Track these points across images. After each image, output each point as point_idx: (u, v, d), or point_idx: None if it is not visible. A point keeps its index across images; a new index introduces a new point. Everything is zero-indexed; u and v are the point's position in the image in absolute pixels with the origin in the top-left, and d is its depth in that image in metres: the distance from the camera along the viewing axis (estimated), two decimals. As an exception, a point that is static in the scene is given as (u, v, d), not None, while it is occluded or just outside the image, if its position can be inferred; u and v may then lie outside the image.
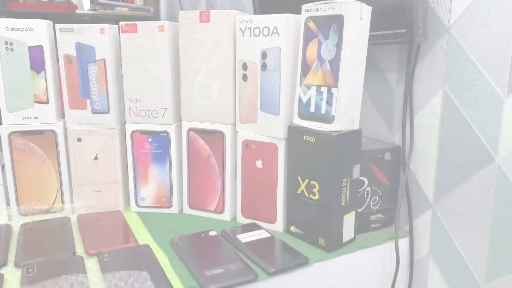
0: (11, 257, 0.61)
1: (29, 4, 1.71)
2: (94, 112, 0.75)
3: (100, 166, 0.77)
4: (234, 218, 0.77)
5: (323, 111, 0.62)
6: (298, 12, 0.63)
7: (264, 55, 0.66)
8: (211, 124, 0.73)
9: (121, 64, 0.75)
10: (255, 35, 0.66)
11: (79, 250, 0.63)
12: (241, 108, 0.71)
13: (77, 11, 1.82)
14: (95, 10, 1.82)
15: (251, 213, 0.73)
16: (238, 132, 0.72)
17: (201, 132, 0.74)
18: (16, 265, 0.58)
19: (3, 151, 0.72)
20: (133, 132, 0.76)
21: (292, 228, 0.69)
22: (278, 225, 0.71)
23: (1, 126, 0.71)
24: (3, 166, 0.72)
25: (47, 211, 0.76)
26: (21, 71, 0.70)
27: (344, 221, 0.64)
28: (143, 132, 0.76)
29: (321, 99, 0.62)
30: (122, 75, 0.76)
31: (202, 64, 0.72)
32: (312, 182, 0.64)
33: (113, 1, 1.90)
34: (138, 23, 0.72)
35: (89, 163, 0.76)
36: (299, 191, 0.66)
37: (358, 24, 0.59)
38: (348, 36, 0.58)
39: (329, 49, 0.60)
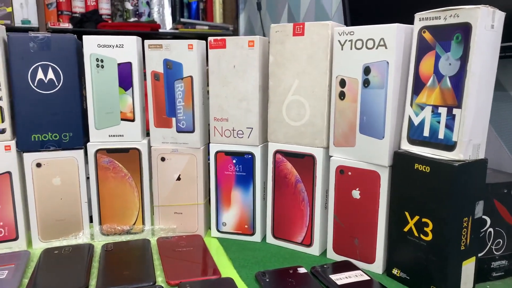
0: (93, 281, 0.59)
1: (117, 25, 1.79)
2: (179, 131, 0.72)
3: (183, 187, 0.73)
4: (323, 253, 0.68)
5: (440, 135, 0.52)
6: (397, 21, 0.55)
7: (367, 71, 0.58)
8: (301, 147, 0.66)
9: (207, 82, 0.72)
10: (357, 48, 0.59)
11: (160, 278, 0.59)
12: (337, 130, 0.63)
13: (160, 30, 1.87)
14: (176, 29, 1.86)
15: (344, 250, 0.65)
16: (331, 156, 0.65)
17: (289, 155, 0.68)
18: (97, 291, 0.55)
19: (90, 168, 0.71)
20: (217, 152, 0.72)
21: (395, 271, 0.59)
22: (377, 266, 0.62)
23: (89, 143, 0.70)
24: (88, 184, 0.71)
25: (128, 232, 0.73)
26: (110, 88, 0.69)
27: (462, 268, 0.54)
28: (227, 153, 0.71)
29: (439, 122, 0.52)
30: (207, 92, 0.72)
31: (294, 80, 0.65)
32: (424, 219, 0.54)
33: (194, 19, 1.94)
34: (227, 38, 0.68)
35: (171, 183, 0.73)
36: (405, 229, 0.57)
37: (488, 33, 0.49)
38: (477, 48, 0.48)
39: (450, 63, 0.51)
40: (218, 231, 0.74)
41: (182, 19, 1.85)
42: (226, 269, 0.63)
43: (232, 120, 0.70)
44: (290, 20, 1.40)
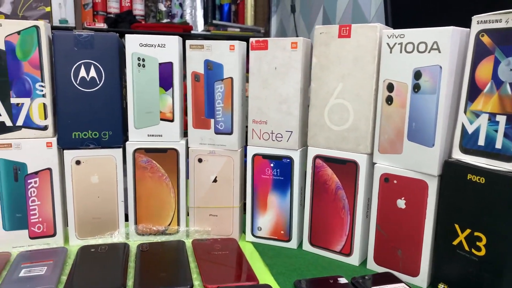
0: (129, 281, 0.58)
1: (150, 25, 1.81)
2: (217, 132, 0.71)
3: (219, 189, 0.72)
4: (363, 263, 0.66)
5: (498, 145, 0.49)
6: (442, 25, 0.53)
7: (417, 75, 0.56)
8: (343, 152, 0.64)
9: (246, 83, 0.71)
10: (407, 52, 0.57)
11: (196, 282, 0.58)
12: (382, 136, 0.61)
13: (192, 32, 1.88)
14: (208, 30, 1.86)
15: (386, 261, 0.62)
16: (375, 163, 0.62)
17: (330, 160, 0.66)
18: (135, 292, 0.55)
19: (127, 167, 0.71)
20: (254, 155, 0.71)
21: (441, 287, 0.56)
22: (422, 280, 0.59)
23: (128, 142, 0.70)
24: (125, 183, 0.71)
25: (163, 233, 0.73)
26: (150, 88, 0.69)
27: (517, 287, 0.50)
28: (265, 156, 0.70)
29: (496, 131, 0.49)
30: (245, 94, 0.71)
31: (338, 84, 0.64)
32: (476, 233, 0.51)
33: (225, 21, 1.94)
34: (269, 39, 0.67)
35: (208, 185, 0.72)
36: (455, 243, 0.54)
37: (555, 37, 0.46)
38: (543, 52, 0.45)
39: (511, 69, 0.48)
40: (253, 235, 0.73)
41: (214, 21, 1.86)
42: (263, 275, 0.61)
43: (271, 123, 0.69)
44: (325, 23, 1.37)
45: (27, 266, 0.59)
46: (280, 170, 0.69)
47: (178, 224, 0.73)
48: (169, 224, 0.73)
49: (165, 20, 1.88)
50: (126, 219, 0.73)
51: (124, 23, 1.73)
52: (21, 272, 0.58)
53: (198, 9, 1.95)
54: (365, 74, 0.61)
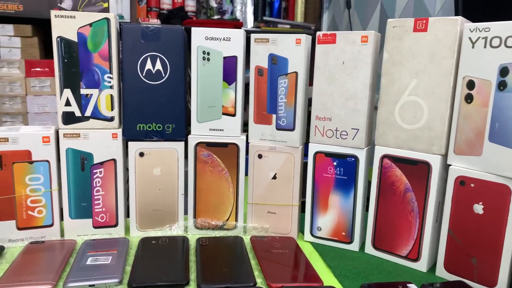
0: (192, 275, 0.58)
1: (201, 22, 1.83)
2: (279, 128, 0.69)
3: (278, 187, 0.71)
4: (431, 270, 0.62)
5: None
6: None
7: (504, 72, 0.52)
8: (414, 153, 0.61)
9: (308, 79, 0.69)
10: (493, 47, 0.53)
11: (259, 279, 0.57)
12: (459, 136, 0.57)
13: (242, 28, 1.88)
14: (258, 27, 1.85)
15: (458, 268, 0.59)
16: (450, 165, 0.59)
17: (399, 160, 0.63)
18: (199, 287, 0.54)
19: (189, 161, 0.70)
20: (316, 153, 0.68)
21: (525, 300, 0.52)
22: (501, 291, 0.55)
23: (190, 136, 0.70)
24: (186, 176, 0.71)
25: (221, 228, 0.72)
26: (214, 81, 0.68)
27: None
28: (328, 154, 0.68)
29: None
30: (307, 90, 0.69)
31: (411, 80, 0.60)
32: None
33: (275, 18, 1.92)
34: (337, 32, 0.65)
35: (267, 181, 0.71)
36: (543, 253, 0.49)
37: None
38: None
39: None
40: (312, 235, 0.71)
41: (264, 18, 1.85)
42: (326, 276, 0.59)
43: (336, 120, 0.66)
44: (382, 19, 1.33)
45: (93, 255, 0.61)
46: (343, 169, 0.67)
47: (236, 220, 0.72)
48: (227, 219, 0.72)
49: (215, 17, 1.89)
50: (185, 212, 0.73)
51: (176, 19, 1.76)
52: (87, 260, 0.59)
53: (249, 6, 1.95)
54: (442, 70, 0.58)
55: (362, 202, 0.67)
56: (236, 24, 1.80)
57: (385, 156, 0.64)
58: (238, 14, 1.93)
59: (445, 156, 0.59)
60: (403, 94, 0.61)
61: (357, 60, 0.63)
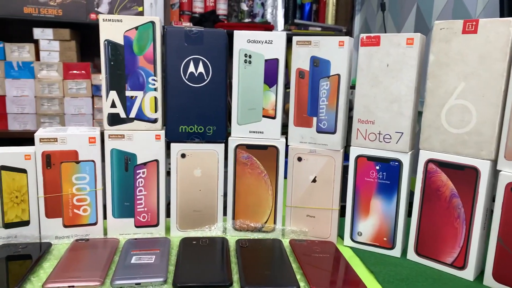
0: (234, 276, 0.58)
1: (232, 25, 1.84)
2: (319, 131, 0.69)
3: (318, 190, 0.70)
4: (478, 278, 0.61)
5: None
6: None
7: (562, 75, 0.50)
8: (462, 157, 0.60)
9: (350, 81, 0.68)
10: (549, 49, 0.51)
11: (302, 283, 0.57)
12: (510, 141, 0.55)
13: (273, 31, 1.88)
14: (289, 30, 1.85)
15: (509, 278, 0.57)
16: (500, 171, 0.57)
17: (445, 165, 0.61)
18: (242, 288, 0.54)
19: (229, 163, 0.71)
20: (358, 156, 0.68)
21: None
22: (556, 303, 0.53)
23: (230, 138, 0.70)
24: (226, 178, 0.72)
25: (259, 230, 0.72)
26: (255, 84, 0.69)
27: None
28: (370, 158, 0.67)
29: None
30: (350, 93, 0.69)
31: (459, 83, 0.59)
32: None
33: (307, 21, 1.92)
34: (381, 35, 0.64)
35: (306, 185, 0.71)
36: None
37: None
38: None
39: None
40: (352, 240, 0.70)
41: (295, 20, 1.84)
42: (369, 282, 0.59)
43: (379, 123, 0.66)
44: (418, 22, 1.30)
45: (136, 254, 0.62)
46: (386, 174, 0.66)
47: (275, 223, 0.72)
48: (266, 222, 0.72)
49: (246, 20, 1.90)
50: (224, 213, 0.73)
51: (208, 22, 1.78)
52: (132, 259, 0.60)
53: (279, 9, 1.95)
54: (493, 73, 0.56)
55: (406, 207, 0.66)
56: (267, 27, 1.80)
57: (430, 161, 0.63)
58: (268, 17, 1.94)
59: (494, 162, 0.58)
60: (450, 98, 0.60)
61: (402, 63, 0.62)
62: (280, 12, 1.97)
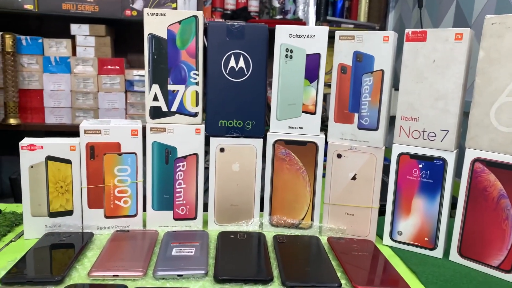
0: (274, 271, 0.58)
1: (264, 21, 1.83)
2: (361, 127, 0.68)
3: (357, 188, 0.69)
4: (527, 283, 0.58)
5: None
6: None
7: None
8: (511, 157, 0.57)
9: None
10: None
11: (342, 281, 0.56)
12: None
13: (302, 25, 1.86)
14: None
15: (562, 283, 0.54)
16: (554, 171, 0.55)
17: (493, 165, 0.59)
18: (283, 284, 0.54)
19: (267, 158, 0.71)
20: (400, 154, 0.66)
21: None
22: None
23: (269, 133, 0.70)
24: (263, 173, 0.71)
25: (296, 226, 0.72)
26: (296, 79, 0.68)
27: None
28: (413, 156, 0.65)
29: None
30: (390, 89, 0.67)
31: (511, 80, 0.57)
32: None
33: (339, 17, 1.90)
34: (428, 30, 0.62)
35: (345, 182, 0.70)
36: None
37: None
38: None
39: None
40: (392, 239, 0.69)
41: (328, 17, 1.82)
42: (411, 282, 0.57)
43: (423, 121, 0.64)
44: (457, 18, 1.27)
45: (177, 246, 0.62)
46: (430, 172, 0.64)
47: (312, 219, 0.72)
48: (303, 219, 0.72)
49: (278, 17, 1.89)
50: (261, 209, 0.73)
51: (239, 19, 1.78)
52: (172, 251, 0.61)
53: (311, 6, 1.94)
54: (549, 69, 0.54)
55: (449, 207, 0.64)
56: (298, 24, 1.79)
57: (477, 160, 0.61)
58: (300, 14, 1.92)
59: (548, 162, 0.55)
60: (501, 95, 0.58)
61: (450, 59, 0.61)
62: (312, 9, 1.95)
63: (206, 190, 0.71)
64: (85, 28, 1.62)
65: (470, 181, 0.61)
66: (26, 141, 0.64)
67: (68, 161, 0.65)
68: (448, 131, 0.62)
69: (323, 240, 0.69)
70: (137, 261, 0.58)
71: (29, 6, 1.54)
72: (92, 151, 0.66)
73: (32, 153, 0.63)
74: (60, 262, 0.57)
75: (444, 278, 0.58)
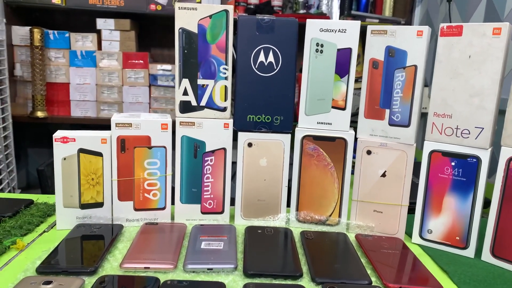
0: (303, 267, 0.57)
1: (287, 16, 1.82)
2: (392, 123, 0.67)
3: (387, 185, 0.68)
4: None
5: None
6: None
7: None
8: (551, 156, 0.56)
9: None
10: None
11: (373, 278, 0.55)
12: None
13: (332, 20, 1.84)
14: (345, 21, 1.81)
15: None
16: None
17: (531, 164, 0.57)
18: (313, 280, 0.54)
19: (295, 153, 0.70)
20: (432, 151, 0.65)
21: None
22: None
23: (297, 128, 0.70)
24: (290, 169, 0.71)
25: (323, 223, 0.72)
26: (326, 74, 0.67)
27: None
28: (446, 154, 0.64)
29: None
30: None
31: (552, 76, 0.55)
32: None
33: (363, 12, 1.87)
34: (464, 24, 0.61)
35: (375, 179, 0.69)
36: None
37: None
38: None
39: None
40: (422, 238, 0.68)
41: (352, 12, 1.80)
42: (443, 282, 0.56)
43: (457, 117, 0.62)
44: (488, 13, 1.23)
45: (205, 239, 0.63)
46: (462, 170, 0.63)
47: (339, 216, 0.71)
48: (330, 215, 0.71)
49: (301, 11, 1.87)
50: (288, 204, 0.73)
51: (263, 13, 1.77)
52: (201, 244, 0.61)
53: (335, 0, 1.91)
54: None
55: (481, 206, 0.63)
56: (323, 18, 1.77)
57: (513, 158, 0.59)
58: (324, 8, 1.90)
59: None
60: (541, 92, 0.56)
61: (487, 54, 0.59)
62: (336, 3, 1.93)
63: (233, 177, 0.71)
64: (110, 22, 1.64)
65: (506, 180, 0.60)
66: (59, 133, 0.65)
67: (100, 154, 0.66)
68: (483, 128, 0.61)
69: (351, 237, 0.68)
70: (168, 253, 0.58)
71: (57, 1, 1.57)
72: (123, 144, 0.66)
73: (65, 145, 0.65)
74: (92, 253, 0.59)
75: (478, 278, 0.57)
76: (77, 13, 1.78)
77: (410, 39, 0.63)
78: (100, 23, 1.64)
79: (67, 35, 1.62)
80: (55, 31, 1.61)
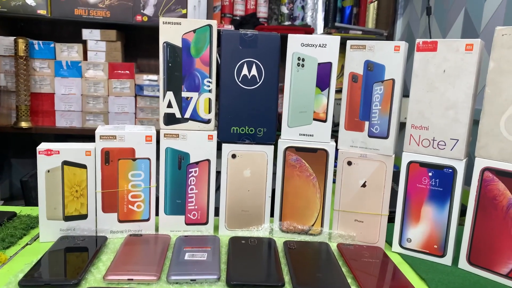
0: (285, 277, 0.58)
1: (272, 28, 1.85)
2: (371, 135, 0.69)
3: (367, 195, 0.70)
4: (537, 292, 0.59)
5: None
6: None
7: None
8: (521, 167, 0.58)
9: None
10: None
11: (353, 287, 0.57)
12: None
13: (313, 34, 1.87)
14: (329, 33, 1.84)
15: None
16: None
17: (503, 174, 0.60)
18: (295, 289, 0.55)
19: (277, 164, 0.72)
20: (410, 162, 0.67)
21: None
22: None
23: (280, 140, 0.71)
24: (274, 179, 0.72)
25: (306, 232, 0.73)
26: (307, 87, 0.69)
27: None
28: (423, 164, 0.66)
29: None
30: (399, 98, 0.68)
31: (521, 91, 0.57)
32: None
33: (347, 24, 1.90)
34: (439, 40, 0.63)
35: (355, 189, 0.70)
36: None
37: None
38: None
39: None
40: (401, 246, 0.69)
41: (336, 24, 1.83)
42: (421, 290, 0.58)
43: (433, 129, 0.65)
44: (466, 27, 1.27)
45: (189, 251, 0.63)
46: (439, 181, 0.65)
47: (322, 226, 0.73)
48: (313, 225, 0.73)
49: (286, 23, 1.90)
50: (271, 215, 0.74)
51: (248, 25, 1.79)
52: (185, 255, 0.62)
53: (319, 12, 1.95)
54: (559, 80, 0.54)
55: (458, 215, 0.65)
56: (307, 30, 1.80)
57: (486, 169, 0.61)
58: (308, 20, 1.93)
59: (558, 172, 0.56)
60: (511, 105, 0.58)
61: (460, 69, 0.62)
62: (320, 15, 1.96)
63: (217, 189, 0.72)
64: (96, 33, 1.64)
65: (480, 190, 0.62)
66: (43, 146, 0.65)
67: (84, 166, 0.67)
68: (458, 140, 0.63)
69: (333, 246, 0.70)
70: (151, 265, 0.59)
71: (42, 11, 1.57)
72: (107, 156, 0.67)
73: (49, 158, 0.65)
74: (76, 265, 0.59)
75: (454, 286, 0.59)
76: (63, 24, 1.77)
77: (388, 54, 0.66)
78: (86, 33, 1.64)
79: (52, 45, 1.61)
80: (40, 42, 1.60)
